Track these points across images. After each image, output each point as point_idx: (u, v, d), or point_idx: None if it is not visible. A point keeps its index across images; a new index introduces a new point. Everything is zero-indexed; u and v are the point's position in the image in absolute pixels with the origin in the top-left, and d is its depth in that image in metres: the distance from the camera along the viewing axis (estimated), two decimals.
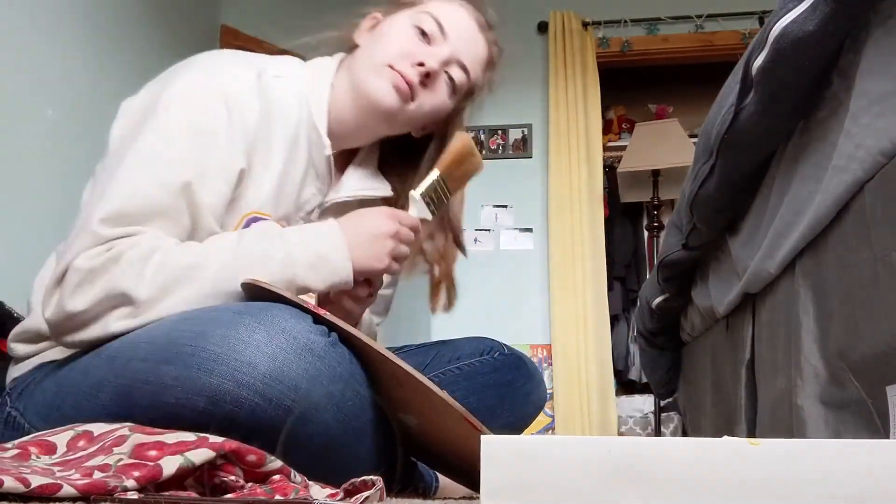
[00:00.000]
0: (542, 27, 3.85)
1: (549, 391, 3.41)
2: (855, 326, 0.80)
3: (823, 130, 0.89)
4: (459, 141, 1.04)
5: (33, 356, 0.92)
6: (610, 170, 4.13)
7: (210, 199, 0.88)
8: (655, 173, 3.68)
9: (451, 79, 1.04)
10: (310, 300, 0.87)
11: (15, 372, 0.92)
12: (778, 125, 1.00)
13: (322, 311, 0.80)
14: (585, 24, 3.82)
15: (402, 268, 1.00)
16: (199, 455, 0.59)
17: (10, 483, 0.51)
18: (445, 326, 3.81)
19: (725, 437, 0.46)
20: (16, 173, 2.11)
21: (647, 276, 2.65)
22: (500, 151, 3.79)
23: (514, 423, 1.11)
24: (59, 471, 0.59)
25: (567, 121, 3.69)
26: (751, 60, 0.93)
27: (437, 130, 1.12)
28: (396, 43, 1.02)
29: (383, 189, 1.11)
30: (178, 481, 0.59)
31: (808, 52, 0.84)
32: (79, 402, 0.80)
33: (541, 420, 3.46)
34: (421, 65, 0.99)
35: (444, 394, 0.75)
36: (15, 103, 2.11)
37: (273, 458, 0.63)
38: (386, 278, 1.12)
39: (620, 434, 3.54)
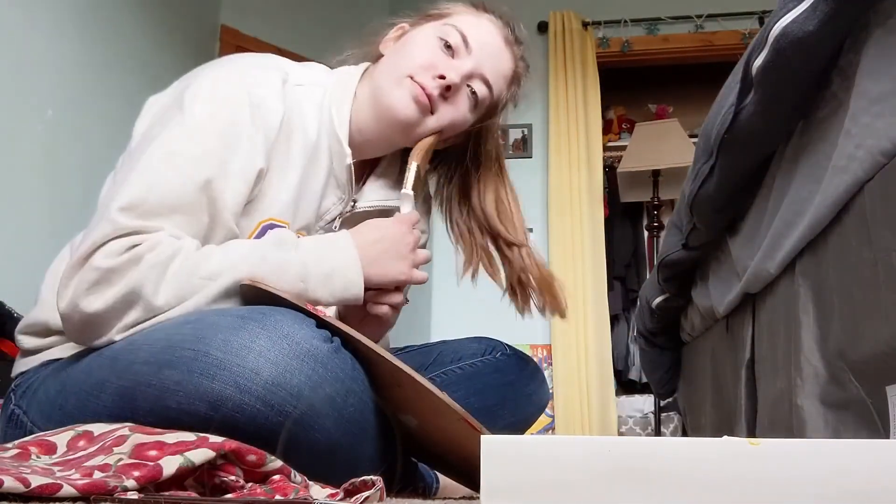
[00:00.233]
0: (542, 27, 3.84)
1: (549, 391, 3.41)
2: (855, 326, 0.80)
3: (823, 130, 0.89)
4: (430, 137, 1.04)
5: (39, 352, 0.92)
6: (610, 170, 4.13)
7: (229, 197, 0.88)
8: (655, 173, 3.68)
9: (473, 93, 1.04)
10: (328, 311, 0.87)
11: (21, 366, 0.92)
12: (778, 125, 1.00)
13: (322, 313, 0.80)
14: (585, 24, 3.82)
15: (426, 276, 1.01)
16: (199, 455, 0.59)
17: (10, 483, 0.51)
18: (446, 326, 3.82)
19: (725, 437, 0.47)
20: (16, 173, 2.11)
21: (647, 276, 2.65)
22: None
23: (517, 424, 1.11)
24: (59, 471, 0.59)
25: (567, 121, 3.69)
26: (751, 60, 0.93)
27: (458, 144, 1.12)
28: (419, 54, 1.02)
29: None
30: (178, 481, 0.59)
31: (808, 52, 0.84)
32: (81, 402, 0.80)
33: (541, 420, 3.45)
34: (442, 77, 0.99)
35: (443, 395, 0.75)
36: (15, 103, 2.11)
37: (273, 458, 0.63)
38: None
39: (620, 434, 3.53)
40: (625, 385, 4.02)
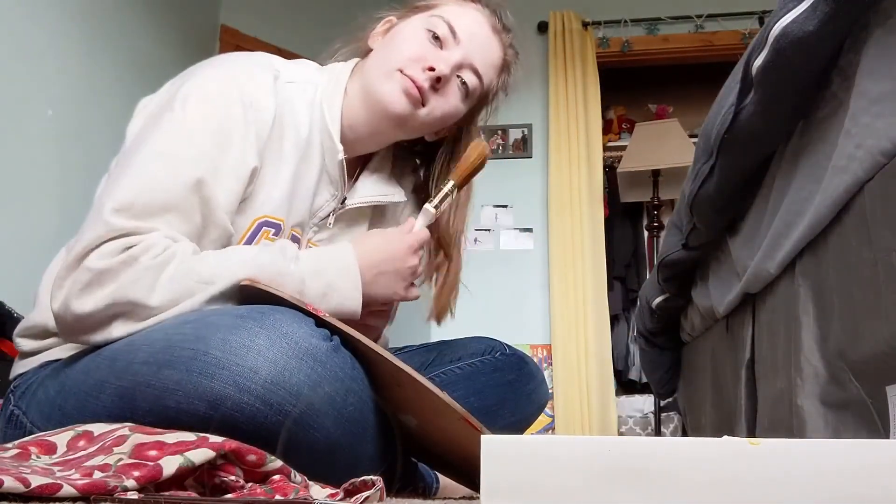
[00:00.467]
0: (542, 27, 3.85)
1: (549, 391, 3.41)
2: (855, 326, 0.80)
3: (823, 130, 0.89)
4: (476, 151, 1.03)
5: (38, 353, 0.92)
6: (610, 170, 4.13)
7: (222, 196, 0.88)
8: (655, 173, 3.68)
9: (463, 83, 1.04)
10: None
11: (19, 368, 0.92)
12: (778, 125, 1.00)
13: (322, 313, 0.80)
14: (585, 24, 3.82)
15: (420, 294, 1.02)
16: (199, 455, 0.59)
17: (10, 483, 0.51)
18: (446, 326, 3.81)
19: (725, 437, 0.46)
20: (16, 173, 2.11)
21: (647, 276, 2.65)
22: (500, 151, 3.79)
23: (516, 423, 1.11)
24: (59, 471, 0.59)
25: (567, 121, 3.69)
26: (751, 60, 0.93)
27: (449, 134, 1.12)
28: (408, 47, 1.01)
29: (397, 195, 1.10)
30: (178, 481, 0.59)
31: (808, 52, 0.84)
32: (80, 403, 0.80)
33: (541, 420, 3.46)
34: (431, 69, 0.99)
35: (443, 394, 0.75)
36: (15, 103, 2.11)
37: (273, 458, 0.63)
38: None
39: (620, 434, 3.53)
40: (625, 385, 4.02)
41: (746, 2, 3.66)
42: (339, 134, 1.01)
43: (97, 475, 0.57)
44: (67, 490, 0.53)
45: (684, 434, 2.59)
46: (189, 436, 0.64)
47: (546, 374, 3.48)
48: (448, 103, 1.03)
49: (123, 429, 0.67)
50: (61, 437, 0.69)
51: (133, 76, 2.67)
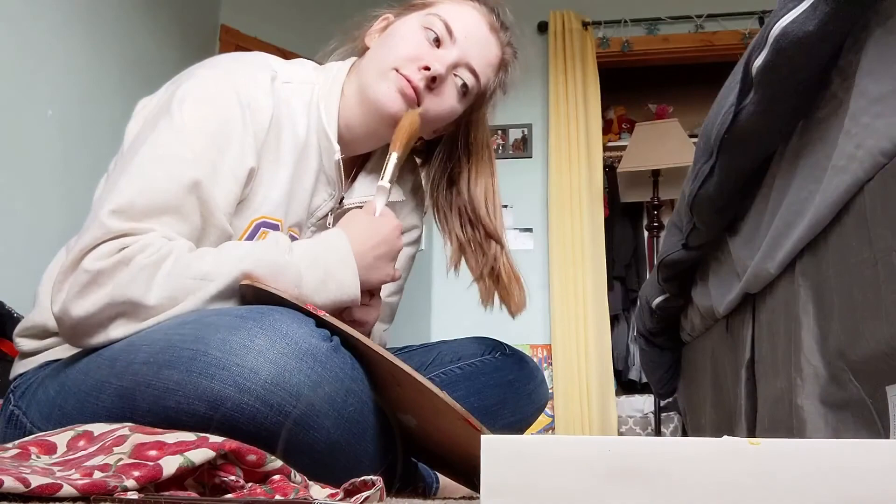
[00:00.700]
0: (542, 27, 3.85)
1: (549, 391, 3.41)
2: (855, 326, 0.80)
3: (823, 130, 0.89)
4: (407, 119, 1.01)
5: (38, 353, 0.92)
6: (610, 170, 4.13)
7: (220, 197, 0.87)
8: (655, 173, 3.68)
9: (460, 82, 1.03)
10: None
11: (19, 368, 0.92)
12: (778, 125, 0.99)
13: (322, 313, 0.80)
14: (585, 24, 3.82)
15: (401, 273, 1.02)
16: (199, 455, 0.59)
17: (10, 483, 0.51)
18: (446, 326, 3.81)
19: (725, 437, 0.46)
20: (16, 173, 2.11)
21: (647, 276, 2.65)
22: (500, 151, 3.79)
23: (516, 423, 1.11)
24: (59, 471, 0.59)
25: (567, 121, 3.69)
26: (751, 60, 0.93)
27: (447, 133, 1.12)
28: (403, 46, 1.01)
29: (395, 194, 1.10)
30: (178, 481, 0.59)
31: (808, 52, 0.84)
32: (80, 403, 0.80)
33: (541, 420, 3.46)
34: (427, 68, 0.99)
35: (443, 394, 0.75)
36: (15, 103, 2.12)
37: (273, 458, 0.63)
38: (393, 286, 1.14)
39: (620, 434, 3.53)
40: (625, 385, 4.02)
41: (746, 2, 3.66)
42: (335, 134, 1.01)
43: (97, 475, 0.57)
44: (67, 490, 0.53)
45: (684, 434, 2.59)
46: (189, 436, 0.64)
47: (546, 374, 3.48)
48: (444, 103, 1.03)
49: (123, 429, 0.67)
50: (61, 437, 0.69)
51: (133, 76, 2.67)
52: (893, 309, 0.71)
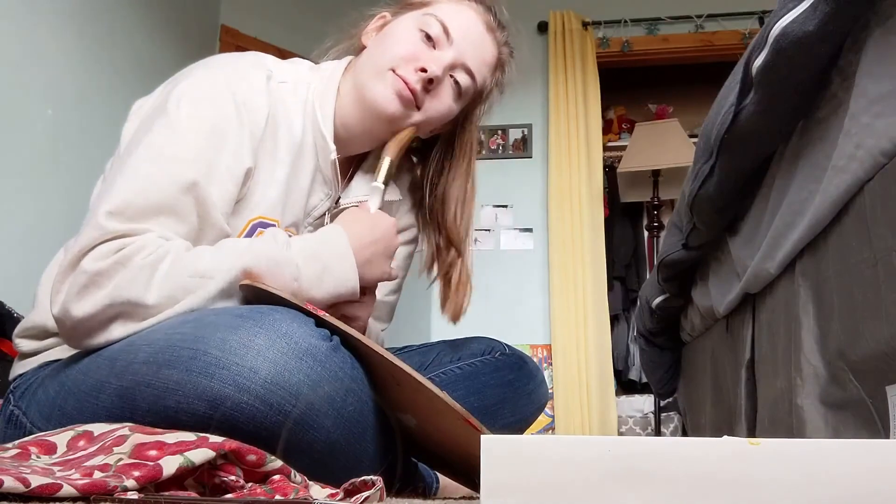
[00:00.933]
0: (542, 27, 3.85)
1: (549, 391, 3.41)
2: (855, 326, 0.80)
3: (823, 130, 0.89)
4: (406, 134, 1.02)
5: (38, 353, 0.92)
6: (610, 170, 4.13)
7: (217, 197, 0.88)
8: (655, 173, 3.68)
9: (456, 83, 1.03)
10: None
11: (19, 368, 0.92)
12: (778, 125, 1.00)
13: (322, 313, 0.80)
14: (585, 24, 3.82)
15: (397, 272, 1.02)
16: (199, 455, 0.59)
17: (10, 483, 0.51)
18: (446, 326, 3.80)
19: (725, 437, 0.46)
20: (16, 173, 2.11)
21: (647, 276, 2.65)
22: (500, 151, 3.79)
23: (516, 423, 1.11)
24: (59, 470, 0.59)
25: (567, 121, 3.69)
26: (751, 60, 0.93)
27: (444, 132, 1.12)
28: (400, 46, 1.01)
29: (392, 193, 1.10)
30: (178, 481, 0.59)
31: (808, 52, 0.84)
32: (80, 403, 0.80)
33: (541, 420, 3.46)
34: (423, 70, 0.99)
35: (443, 394, 0.75)
36: (15, 103, 2.12)
37: (273, 458, 0.63)
38: (391, 285, 1.14)
39: (620, 434, 3.54)
40: (625, 385, 4.02)
41: (746, 2, 3.66)
42: (332, 134, 1.01)
43: (97, 475, 0.57)
44: (67, 490, 0.53)
45: (684, 434, 2.59)
46: (189, 436, 0.64)
47: (546, 374, 3.48)
48: (441, 104, 1.03)
49: (123, 429, 0.67)
50: (61, 437, 0.69)
51: (133, 76, 2.67)
52: (893, 309, 0.71)
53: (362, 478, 0.62)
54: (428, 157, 1.15)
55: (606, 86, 3.83)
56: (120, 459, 0.61)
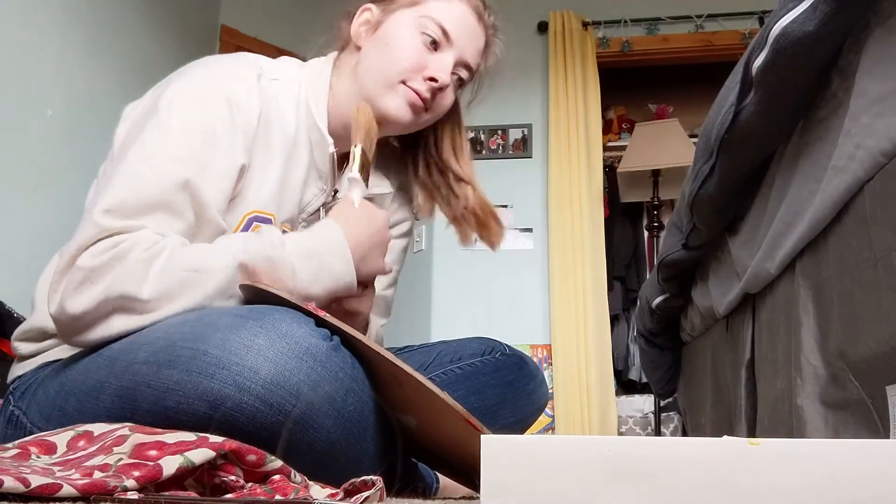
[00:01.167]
0: (542, 27, 3.85)
1: (549, 391, 3.41)
2: (855, 326, 0.80)
3: (823, 130, 0.89)
4: (361, 112, 1.01)
5: (37, 355, 0.92)
6: (610, 170, 4.13)
7: (212, 194, 0.88)
8: (655, 173, 3.68)
9: (459, 79, 1.08)
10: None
11: (18, 370, 0.93)
12: (778, 125, 1.00)
13: (322, 313, 0.80)
14: (585, 24, 3.82)
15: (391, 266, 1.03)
16: (199, 455, 0.59)
17: (10, 483, 0.51)
18: (446, 326, 3.81)
19: (725, 437, 0.47)
20: (15, 173, 2.11)
21: (647, 276, 2.65)
22: (500, 151, 3.79)
23: (516, 424, 1.11)
24: (59, 470, 0.59)
25: (567, 121, 3.69)
26: (751, 60, 0.93)
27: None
28: (406, 56, 1.02)
29: (384, 186, 1.13)
30: (178, 481, 0.59)
31: (808, 52, 0.84)
32: (81, 403, 0.80)
33: (541, 420, 3.45)
34: (433, 80, 1.02)
35: (444, 394, 0.75)
36: (15, 103, 2.11)
37: (273, 458, 0.63)
38: (387, 279, 1.14)
39: (620, 434, 3.54)
40: (625, 385, 4.02)
41: (746, 2, 3.66)
42: (327, 129, 1.03)
43: (97, 475, 0.57)
44: (67, 490, 0.53)
45: (684, 434, 2.59)
46: (189, 436, 0.64)
47: (546, 374, 3.48)
48: (446, 100, 1.07)
49: (123, 429, 0.67)
50: (61, 437, 0.69)
51: (133, 76, 2.67)
52: (893, 309, 0.71)
53: (362, 478, 0.62)
54: (414, 143, 1.16)
55: (606, 86, 3.83)
56: (120, 459, 0.61)
